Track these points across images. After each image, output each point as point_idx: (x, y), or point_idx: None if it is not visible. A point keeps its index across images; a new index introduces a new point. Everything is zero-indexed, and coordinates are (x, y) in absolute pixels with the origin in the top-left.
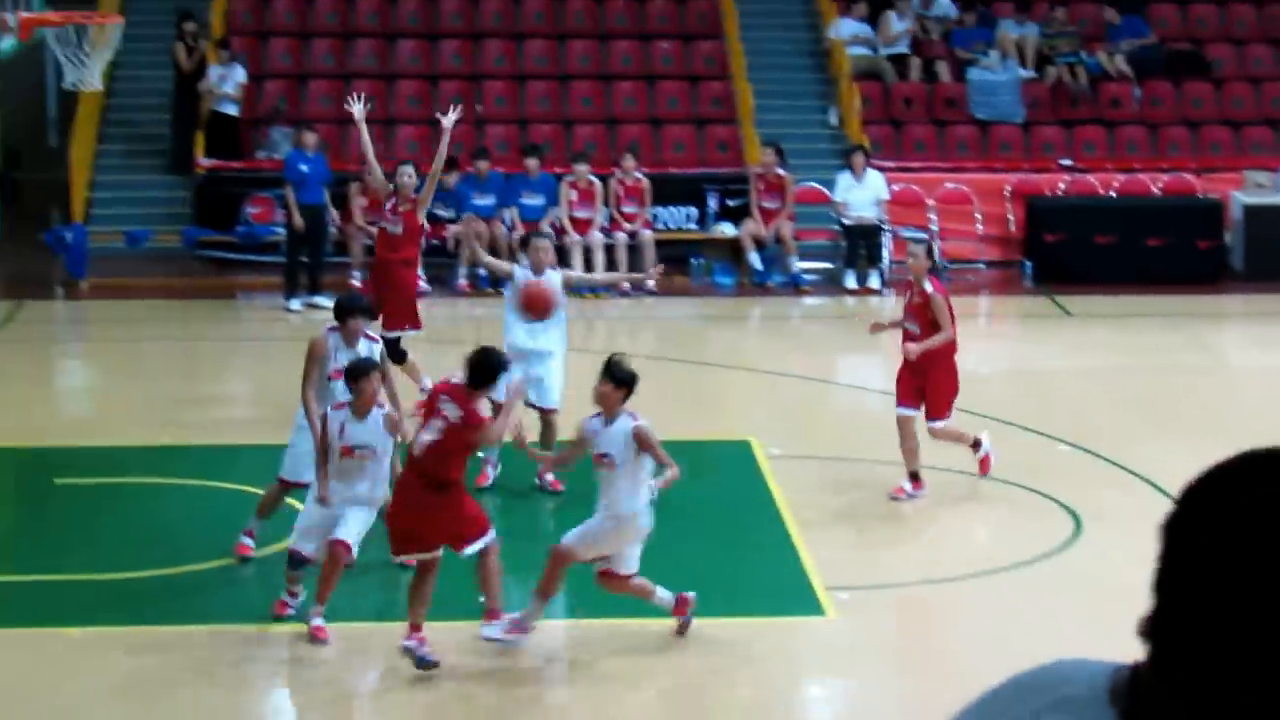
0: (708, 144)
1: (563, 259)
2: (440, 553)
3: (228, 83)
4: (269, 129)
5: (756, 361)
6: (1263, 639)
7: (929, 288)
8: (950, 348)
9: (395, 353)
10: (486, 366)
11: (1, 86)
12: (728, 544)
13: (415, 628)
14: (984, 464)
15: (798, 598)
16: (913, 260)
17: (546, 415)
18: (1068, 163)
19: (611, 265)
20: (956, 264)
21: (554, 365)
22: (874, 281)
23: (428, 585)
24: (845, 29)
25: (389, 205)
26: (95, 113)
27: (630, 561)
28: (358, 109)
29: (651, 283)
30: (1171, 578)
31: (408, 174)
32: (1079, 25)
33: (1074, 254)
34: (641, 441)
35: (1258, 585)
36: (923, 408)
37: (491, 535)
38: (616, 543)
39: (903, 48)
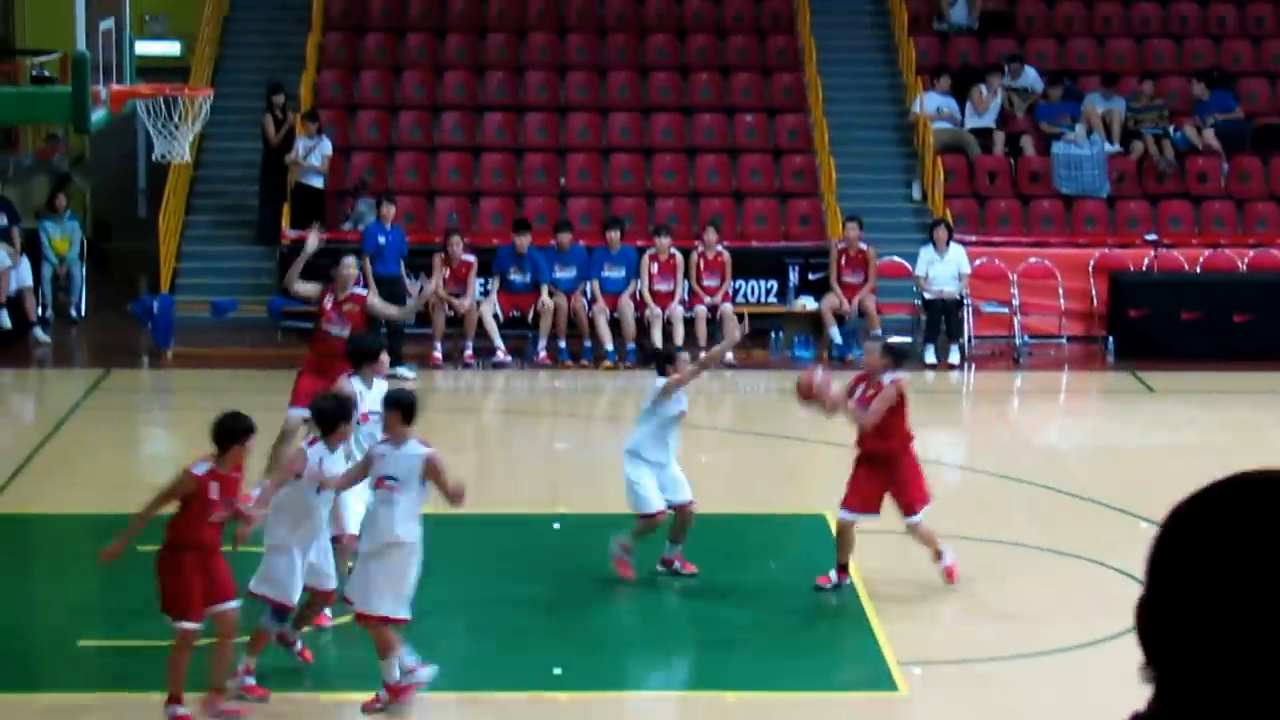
0: (790, 217)
1: (643, 332)
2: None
3: (314, 155)
4: (355, 201)
5: (834, 435)
6: (1255, 661)
7: (886, 380)
8: (906, 444)
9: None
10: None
11: (92, 158)
12: (804, 618)
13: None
14: (949, 573)
15: (872, 673)
16: (867, 356)
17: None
18: (1152, 238)
19: (691, 338)
20: (1038, 339)
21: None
22: (954, 356)
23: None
24: (930, 103)
25: (328, 303)
26: (184, 184)
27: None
28: (312, 239)
29: (730, 355)
30: (1161, 602)
31: (349, 265)
32: (1166, 99)
33: (1158, 329)
34: (430, 470)
35: (1248, 604)
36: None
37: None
38: (385, 569)
39: (988, 121)
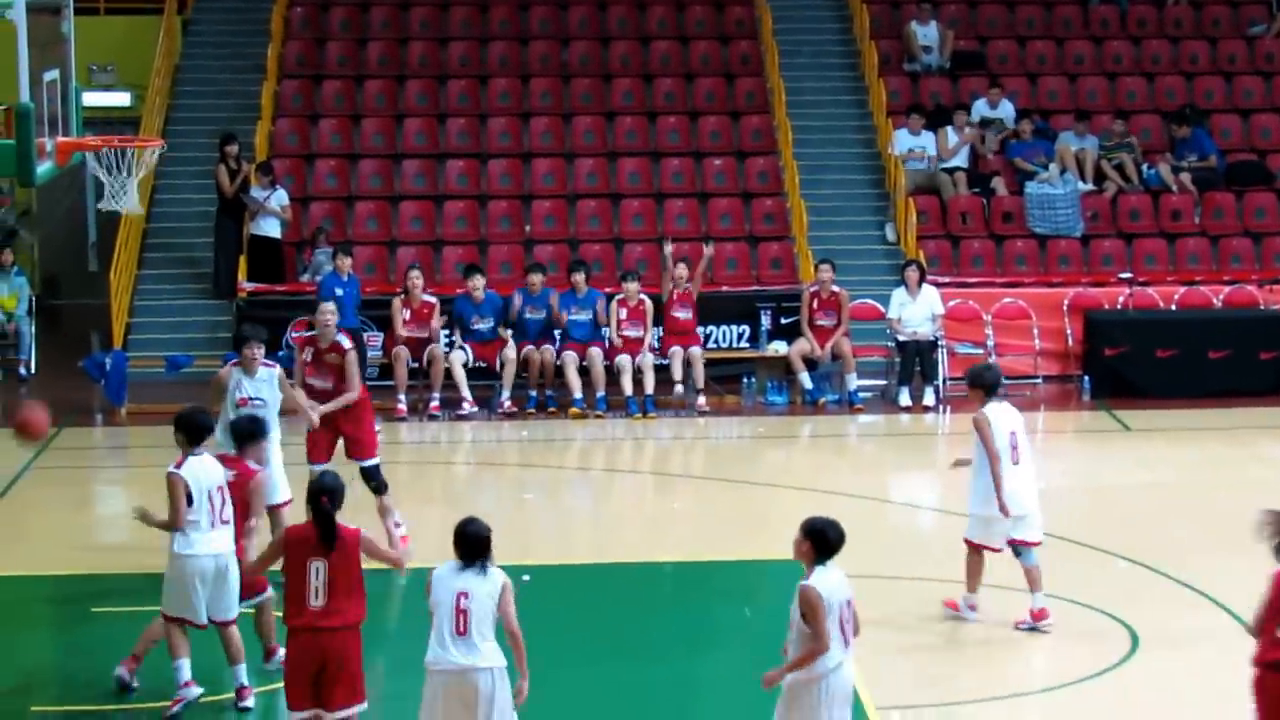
0: (761, 261)
1: (612, 379)
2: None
3: (270, 205)
4: (313, 251)
5: (809, 480)
6: None
7: None
8: None
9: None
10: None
11: (40, 211)
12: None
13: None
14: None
15: (851, 717)
16: None
17: None
18: (1127, 276)
19: (664, 385)
20: (1014, 379)
21: None
22: (929, 398)
23: None
24: (902, 143)
25: (308, 357)
26: (136, 236)
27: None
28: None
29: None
30: None
31: (329, 311)
32: (1139, 137)
33: (1134, 368)
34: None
35: None
36: None
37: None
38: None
39: (960, 161)
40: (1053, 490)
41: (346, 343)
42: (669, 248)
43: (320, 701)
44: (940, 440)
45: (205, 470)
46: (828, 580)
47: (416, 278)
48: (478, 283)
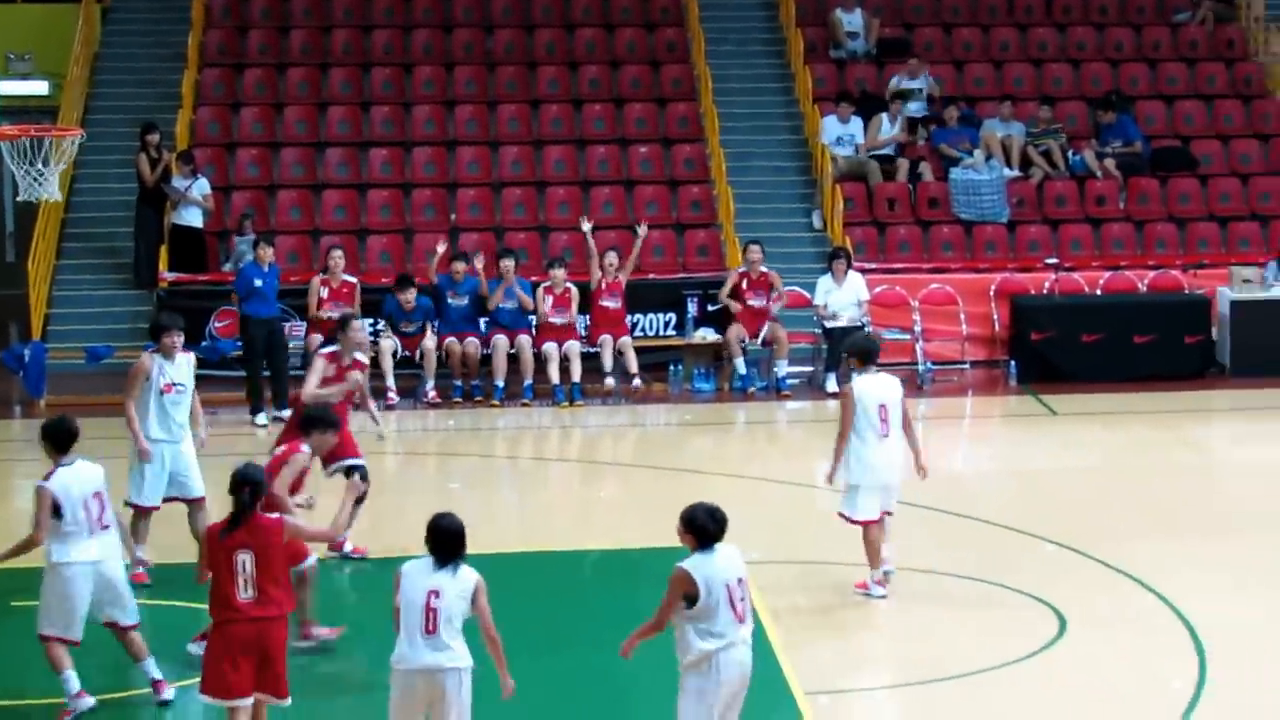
0: (688, 248)
1: (540, 367)
2: None
3: (192, 193)
4: (236, 240)
5: (737, 467)
6: None
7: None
8: None
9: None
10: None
11: None
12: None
13: None
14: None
15: (777, 703)
16: None
17: None
18: (1053, 261)
19: (591, 373)
20: (941, 365)
21: None
22: None
23: None
24: (830, 131)
25: (330, 373)
26: (54, 226)
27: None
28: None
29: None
30: None
31: (357, 329)
32: (1065, 123)
33: (1060, 353)
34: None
35: None
36: None
37: None
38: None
39: (888, 149)
40: (979, 474)
41: (364, 359)
42: (587, 225)
43: (264, 689)
44: None
45: (78, 479)
46: (707, 563)
47: (339, 257)
48: (409, 295)
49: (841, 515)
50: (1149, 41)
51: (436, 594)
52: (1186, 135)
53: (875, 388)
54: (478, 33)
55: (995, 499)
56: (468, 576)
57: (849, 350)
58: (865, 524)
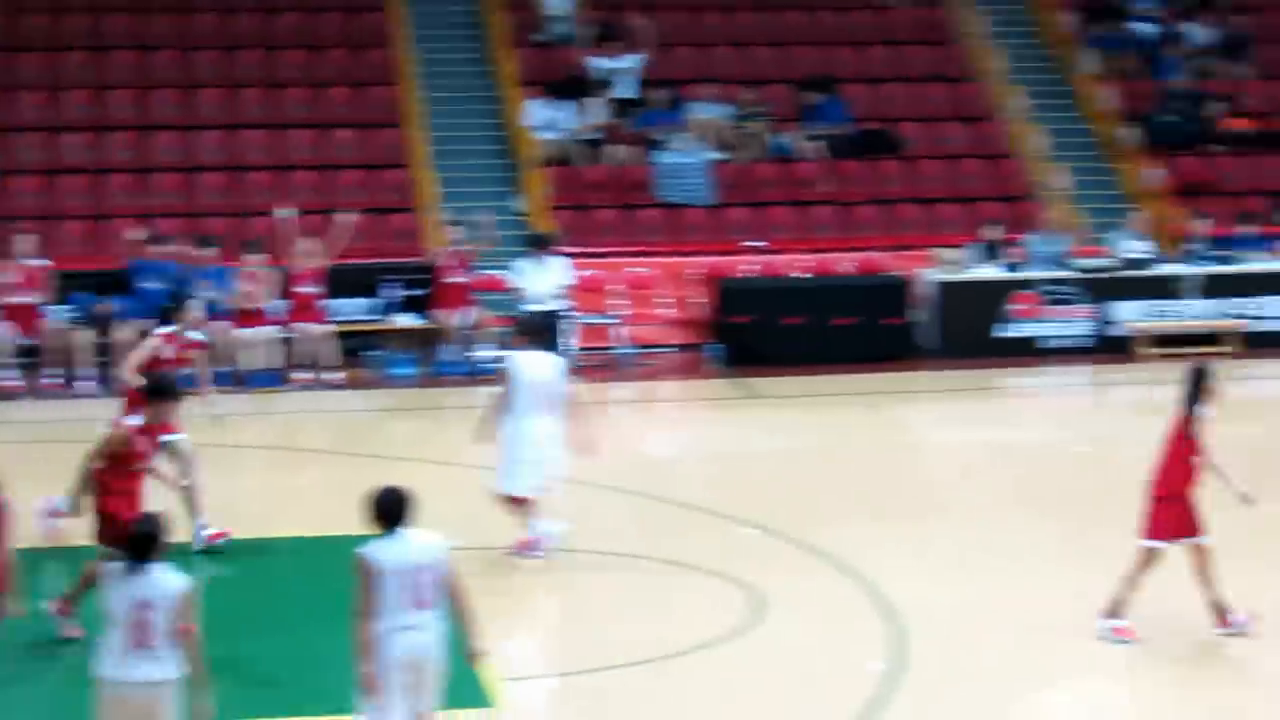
0: (386, 233)
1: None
2: None
3: None
4: None
5: (438, 453)
6: None
7: None
8: None
9: None
10: None
11: None
12: None
13: None
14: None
15: (464, 689)
16: None
17: None
18: (756, 244)
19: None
20: (646, 348)
21: None
22: None
23: None
24: (536, 115)
25: (170, 354)
26: None
27: None
28: None
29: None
30: None
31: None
32: (770, 106)
33: (762, 336)
34: None
35: None
36: None
37: None
38: None
39: (594, 133)
40: (677, 458)
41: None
42: (284, 211)
43: None
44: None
45: None
46: (387, 548)
47: (25, 240)
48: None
49: (502, 494)
50: (855, 24)
51: (147, 605)
52: (891, 118)
53: (538, 365)
54: (178, 17)
55: (693, 482)
56: (173, 580)
57: (518, 327)
58: (524, 500)
